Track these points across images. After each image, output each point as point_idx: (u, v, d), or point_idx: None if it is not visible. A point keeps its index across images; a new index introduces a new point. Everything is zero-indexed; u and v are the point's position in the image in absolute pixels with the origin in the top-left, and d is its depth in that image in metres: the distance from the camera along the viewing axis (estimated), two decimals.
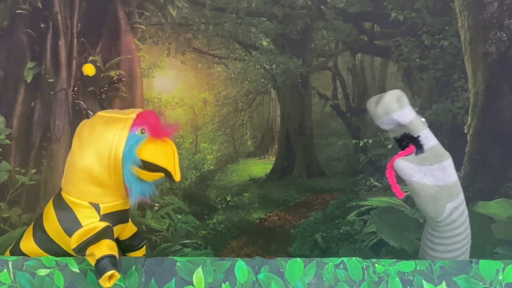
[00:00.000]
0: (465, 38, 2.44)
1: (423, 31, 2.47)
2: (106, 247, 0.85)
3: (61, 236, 0.93)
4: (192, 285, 0.87)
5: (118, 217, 0.96)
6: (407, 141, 0.93)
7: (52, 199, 0.98)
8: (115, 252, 0.85)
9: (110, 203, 0.94)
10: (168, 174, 0.91)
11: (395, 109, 0.91)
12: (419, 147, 0.92)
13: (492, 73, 2.39)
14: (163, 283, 0.87)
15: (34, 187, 2.33)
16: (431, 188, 0.91)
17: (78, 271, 0.88)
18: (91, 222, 0.91)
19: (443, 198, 0.92)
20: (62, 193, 0.95)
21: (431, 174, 0.91)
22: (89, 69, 1.00)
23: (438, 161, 0.92)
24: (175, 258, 0.91)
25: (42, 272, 0.87)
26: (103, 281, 0.80)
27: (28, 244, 0.99)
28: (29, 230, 1.01)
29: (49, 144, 2.38)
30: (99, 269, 0.82)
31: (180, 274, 0.87)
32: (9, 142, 2.35)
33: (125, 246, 1.07)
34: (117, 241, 1.02)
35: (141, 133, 0.92)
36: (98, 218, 0.92)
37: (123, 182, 0.92)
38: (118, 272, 0.82)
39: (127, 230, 1.06)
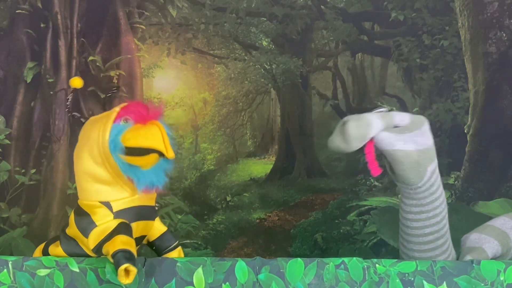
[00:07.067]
0: (465, 38, 2.44)
1: (423, 31, 2.47)
2: (120, 242, 0.85)
3: (81, 239, 0.94)
4: (193, 285, 0.87)
5: (136, 213, 0.95)
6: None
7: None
8: (129, 246, 0.84)
9: (122, 200, 0.93)
10: (159, 153, 0.88)
11: (368, 133, 0.91)
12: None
13: (492, 73, 2.39)
14: (163, 283, 0.86)
15: (33, 187, 2.33)
16: (413, 153, 0.93)
17: (78, 270, 0.88)
18: (105, 221, 0.91)
19: (425, 161, 0.95)
20: (78, 201, 0.97)
21: (412, 140, 0.94)
22: (76, 82, 1.01)
23: (418, 127, 0.94)
24: (175, 258, 0.91)
25: (42, 272, 0.87)
26: (120, 277, 0.79)
27: (55, 248, 1.00)
28: (57, 236, 1.02)
29: (49, 144, 2.38)
30: (114, 265, 0.82)
31: (180, 274, 0.87)
32: (9, 142, 2.35)
33: (156, 248, 1.03)
34: (148, 242, 1.02)
35: (125, 122, 0.91)
36: (112, 216, 0.91)
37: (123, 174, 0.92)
38: (135, 266, 0.80)
39: (155, 229, 1.01)
